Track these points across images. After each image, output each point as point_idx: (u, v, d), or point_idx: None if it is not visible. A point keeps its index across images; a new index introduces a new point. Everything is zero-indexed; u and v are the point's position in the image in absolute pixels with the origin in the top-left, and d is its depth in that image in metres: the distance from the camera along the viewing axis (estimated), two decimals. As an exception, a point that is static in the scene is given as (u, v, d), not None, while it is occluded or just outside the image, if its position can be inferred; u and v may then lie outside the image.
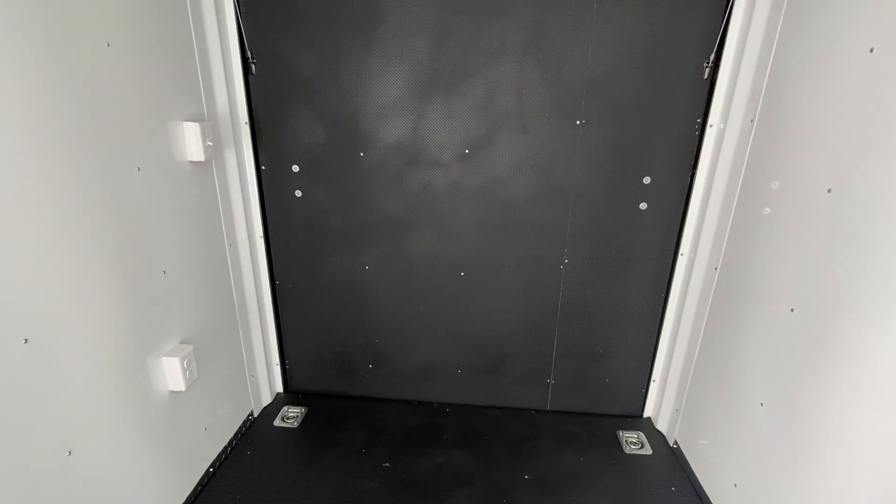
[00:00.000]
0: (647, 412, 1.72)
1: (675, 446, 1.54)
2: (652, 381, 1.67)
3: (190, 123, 1.19)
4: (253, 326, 1.62)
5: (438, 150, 1.44)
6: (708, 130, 1.36)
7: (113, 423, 1.02)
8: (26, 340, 0.80)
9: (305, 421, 1.67)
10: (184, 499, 1.27)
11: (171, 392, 1.19)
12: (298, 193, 1.53)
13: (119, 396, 1.03)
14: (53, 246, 0.85)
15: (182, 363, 1.17)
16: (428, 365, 1.73)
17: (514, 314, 1.63)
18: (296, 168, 1.50)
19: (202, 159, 1.23)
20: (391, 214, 1.52)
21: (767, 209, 1.14)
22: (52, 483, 0.87)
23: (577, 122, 1.38)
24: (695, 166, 1.40)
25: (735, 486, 1.19)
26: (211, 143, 1.25)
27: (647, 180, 1.42)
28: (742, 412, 1.18)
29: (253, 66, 1.40)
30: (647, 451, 1.55)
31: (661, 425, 1.64)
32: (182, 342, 1.23)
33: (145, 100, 1.07)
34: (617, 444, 1.59)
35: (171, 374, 1.17)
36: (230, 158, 1.41)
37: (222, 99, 1.35)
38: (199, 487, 1.34)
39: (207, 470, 1.38)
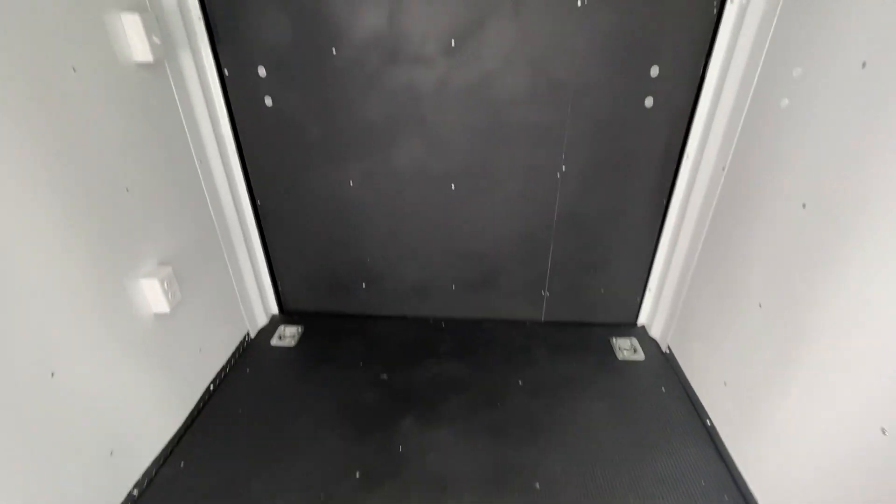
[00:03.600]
0: (641, 320, 1.73)
1: (667, 352, 1.57)
2: (647, 290, 1.66)
3: (129, 14, 1.03)
4: (238, 247, 1.57)
5: (421, 43, 1.27)
6: (728, 7, 1.18)
7: (97, 345, 1.00)
8: (-27, 261, 0.74)
9: (302, 339, 1.69)
10: (186, 414, 1.31)
11: (156, 314, 1.16)
12: (269, 101, 1.38)
13: (100, 320, 1.00)
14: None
15: (162, 284, 1.13)
16: (422, 281, 1.71)
17: (509, 227, 1.56)
18: (262, 71, 1.34)
19: (150, 59, 1.08)
20: (372, 121, 1.39)
21: (786, 101, 1.03)
22: (36, 405, 0.86)
23: (579, 3, 1.20)
24: (709, 53, 1.25)
25: (725, 384, 1.21)
26: (158, 41, 1.09)
27: (655, 71, 1.27)
28: (738, 314, 1.16)
29: (197, -56, 1.19)
30: (640, 356, 1.58)
31: (655, 332, 1.65)
32: (161, 263, 1.17)
33: (66, -18, 0.90)
34: (610, 350, 1.61)
35: (153, 295, 1.13)
36: (186, 61, 1.25)
37: (166, -14, 1.16)
38: (202, 403, 1.37)
39: (208, 387, 1.41)
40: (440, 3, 1.21)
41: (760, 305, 1.07)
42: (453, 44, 1.26)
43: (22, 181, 0.82)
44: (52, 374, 0.89)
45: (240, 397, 1.42)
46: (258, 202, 1.58)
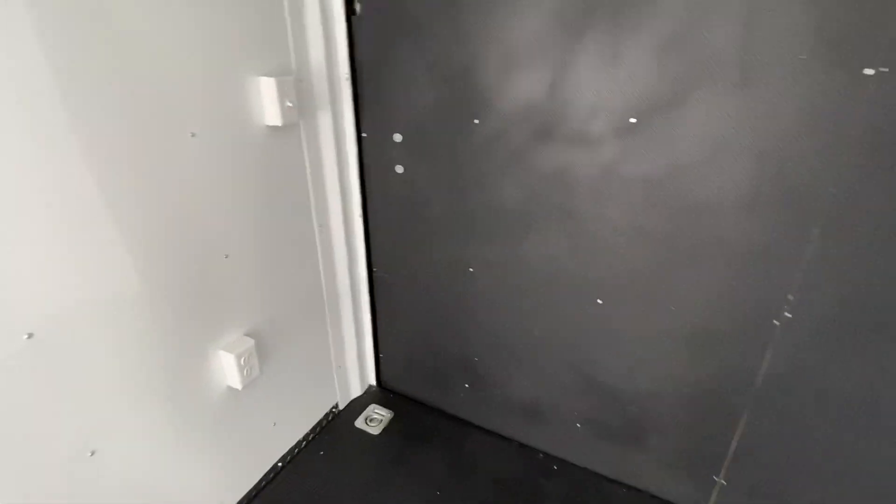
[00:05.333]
0: (902, 582, 1.01)
1: None
2: (925, 540, 0.96)
3: (266, 79, 0.97)
4: (344, 316, 1.44)
5: (587, 117, 0.95)
6: None
7: (157, 418, 0.92)
8: (30, 335, 0.69)
9: (388, 427, 1.47)
10: (245, 491, 1.19)
11: (230, 388, 1.07)
12: (399, 169, 1.23)
13: (167, 391, 0.93)
14: (68, 222, 0.72)
15: (238, 360, 1.02)
16: (537, 403, 1.33)
17: (677, 372, 1.08)
18: (398, 137, 1.19)
19: (279, 123, 1.01)
20: (507, 205, 1.12)
21: None
22: (72, 485, 0.79)
23: (867, 71, 0.72)
24: None
25: None
26: (291, 104, 1.02)
27: None
28: None
29: (357, 5, 1.11)
30: None
31: None
32: (246, 334, 1.08)
33: (206, 48, 0.87)
34: None
35: (228, 369, 1.03)
36: (324, 122, 1.18)
37: (317, 48, 1.10)
38: (263, 482, 1.24)
39: (275, 464, 1.28)
40: (623, 68, 0.88)
41: None
42: (633, 120, 0.91)
43: (115, 247, 0.78)
44: (92, 454, 0.81)
45: (306, 483, 1.25)
46: (374, 270, 1.44)
